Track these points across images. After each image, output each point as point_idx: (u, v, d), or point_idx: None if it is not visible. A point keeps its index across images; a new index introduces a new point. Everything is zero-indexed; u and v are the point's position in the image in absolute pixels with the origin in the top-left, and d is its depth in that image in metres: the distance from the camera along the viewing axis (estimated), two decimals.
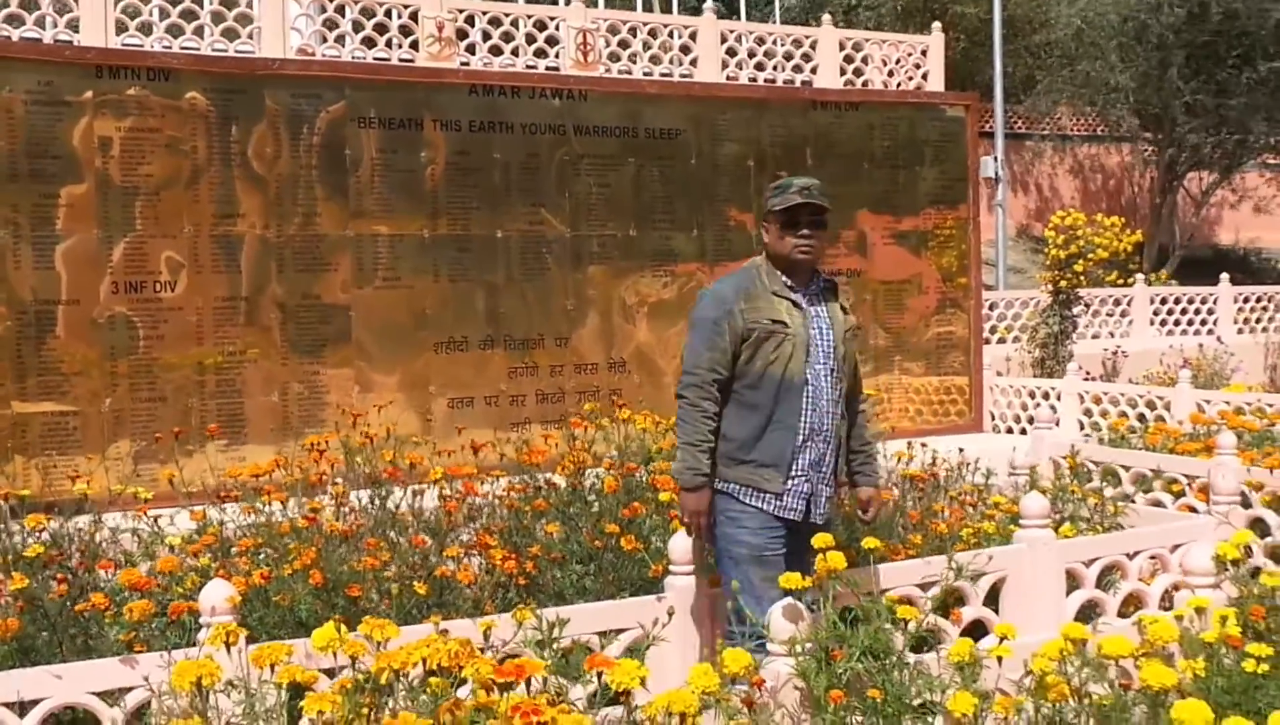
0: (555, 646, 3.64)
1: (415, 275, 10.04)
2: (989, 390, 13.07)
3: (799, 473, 5.03)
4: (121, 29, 9.65)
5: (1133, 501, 7.83)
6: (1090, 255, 14.26)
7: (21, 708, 3.84)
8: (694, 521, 5.07)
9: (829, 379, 5.07)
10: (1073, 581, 5.86)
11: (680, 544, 5.06)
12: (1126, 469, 8.36)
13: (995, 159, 22.33)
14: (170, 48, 9.77)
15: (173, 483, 6.87)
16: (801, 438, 5.02)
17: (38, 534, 5.46)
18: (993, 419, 13.12)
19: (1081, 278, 14.80)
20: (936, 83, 12.97)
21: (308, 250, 9.68)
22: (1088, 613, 5.78)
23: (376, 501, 6.28)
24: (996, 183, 22.47)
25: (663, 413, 8.13)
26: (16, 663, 4.43)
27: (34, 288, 8.79)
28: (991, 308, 17.39)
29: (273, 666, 2.87)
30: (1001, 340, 17.08)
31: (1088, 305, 17.91)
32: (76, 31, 9.57)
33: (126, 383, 9.04)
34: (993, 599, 5.59)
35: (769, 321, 4.99)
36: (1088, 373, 15.30)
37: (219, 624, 3.46)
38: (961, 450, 8.58)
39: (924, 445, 8.61)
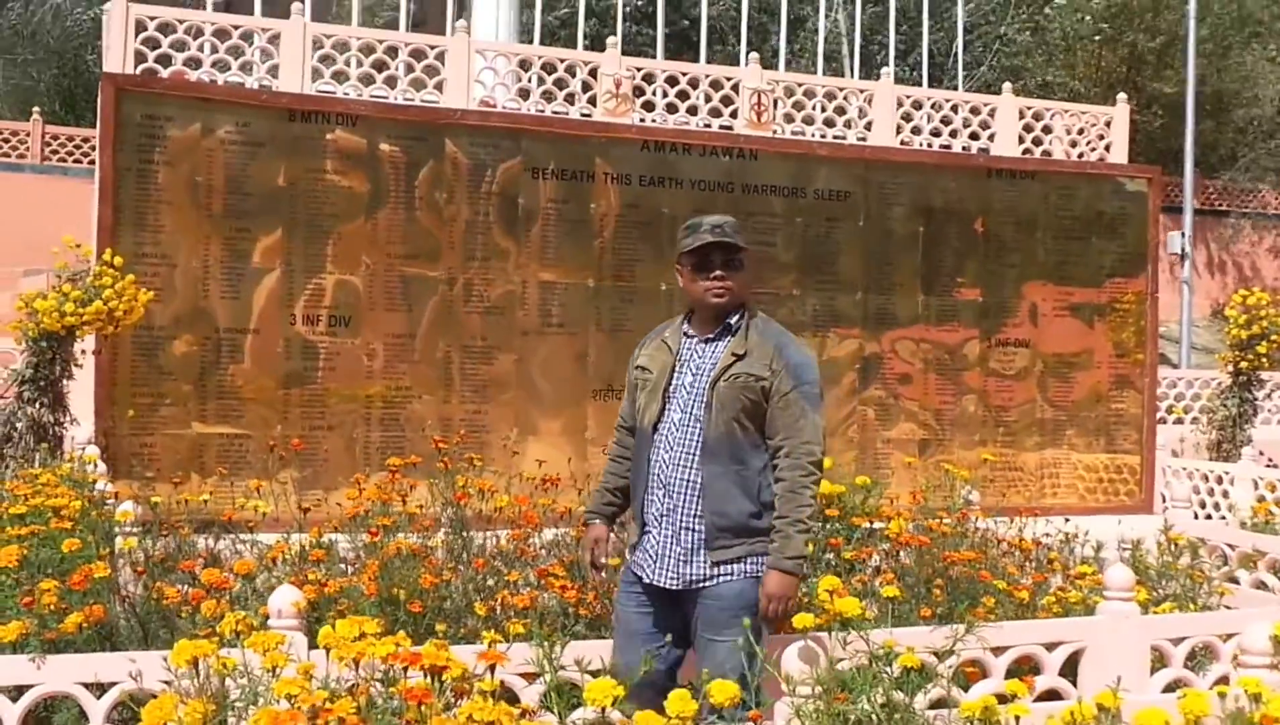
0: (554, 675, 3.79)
1: (579, 323, 10.29)
2: (1161, 471, 12.71)
3: (649, 527, 4.70)
4: (317, 76, 10.16)
5: (1236, 582, 7.65)
6: (1275, 336, 13.79)
7: (100, 689, 4.27)
8: (585, 554, 4.99)
9: (688, 427, 4.62)
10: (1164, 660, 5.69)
11: None
12: (1233, 548, 8.22)
13: (1183, 234, 21.78)
14: (361, 95, 10.25)
15: (300, 510, 7.18)
16: (645, 489, 4.71)
17: (164, 539, 5.87)
18: (1164, 501, 12.74)
19: (1264, 359, 14.32)
20: (1120, 154, 12.78)
21: (478, 293, 10.02)
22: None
23: (476, 535, 6.49)
24: (1183, 259, 21.90)
25: None
26: (98, 648, 4.77)
27: (222, 317, 9.29)
28: (1170, 387, 16.94)
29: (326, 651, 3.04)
30: (1179, 420, 16.61)
31: (1271, 389, 17.31)
32: (275, 77, 10.11)
33: (298, 411, 9.46)
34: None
35: (638, 368, 4.87)
36: (1269, 459, 14.77)
37: (282, 625, 3.72)
38: (1120, 521, 8.41)
39: (1068, 521, 8.46)
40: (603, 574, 5.02)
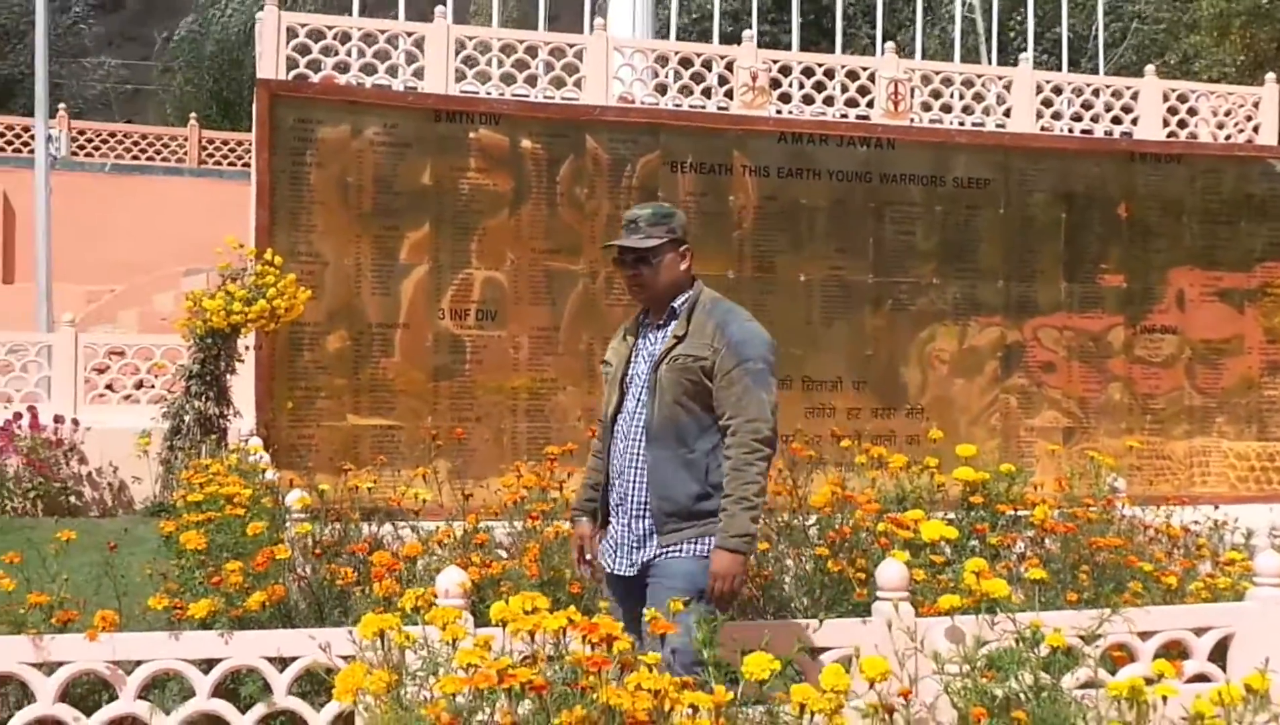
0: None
1: None
2: None
3: (610, 517, 4.67)
4: (460, 77, 10.43)
5: None
6: None
7: (283, 663, 4.53)
8: (573, 552, 4.96)
9: (637, 414, 4.54)
10: None
11: (888, 571, 5.15)
12: None
13: None
14: (503, 94, 10.50)
15: (463, 497, 7.41)
16: (609, 478, 4.67)
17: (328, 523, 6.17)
18: None
19: None
20: (1270, 136, 12.52)
21: (619, 286, 10.17)
22: None
23: None
24: None
25: (948, 463, 8.11)
26: (279, 626, 5.05)
27: (373, 313, 9.60)
28: None
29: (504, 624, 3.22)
30: None
31: None
32: (421, 79, 10.40)
33: (448, 403, 9.74)
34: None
35: (604, 363, 4.82)
36: None
37: (449, 605, 3.92)
38: (1271, 509, 8.27)
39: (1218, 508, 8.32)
40: (589, 571, 4.88)
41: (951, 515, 6.83)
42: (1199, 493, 11.35)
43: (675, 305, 4.61)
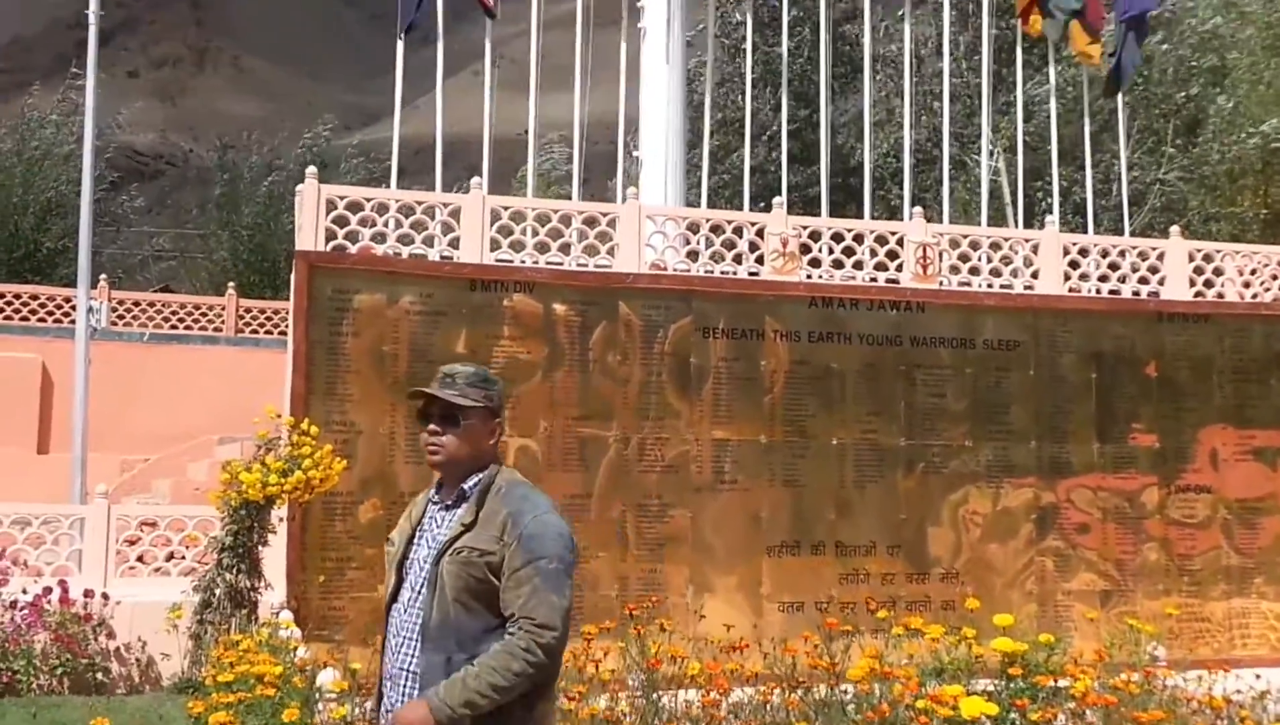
0: None
1: (752, 479, 10.40)
2: None
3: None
4: (495, 246, 10.61)
5: None
6: None
7: None
8: None
9: (413, 608, 4.00)
10: None
11: None
12: None
13: None
14: (537, 262, 10.66)
15: None
16: (381, 679, 4.14)
17: None
18: None
19: None
20: None
21: (652, 452, 10.21)
22: None
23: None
24: None
25: (984, 628, 8.01)
26: None
27: (406, 481, 9.63)
28: None
29: None
30: None
31: None
32: (456, 248, 10.58)
33: None
34: None
35: (388, 539, 4.26)
36: None
37: None
38: None
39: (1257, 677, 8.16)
40: None
41: (991, 686, 6.72)
42: (1239, 655, 11.15)
43: (466, 486, 4.09)
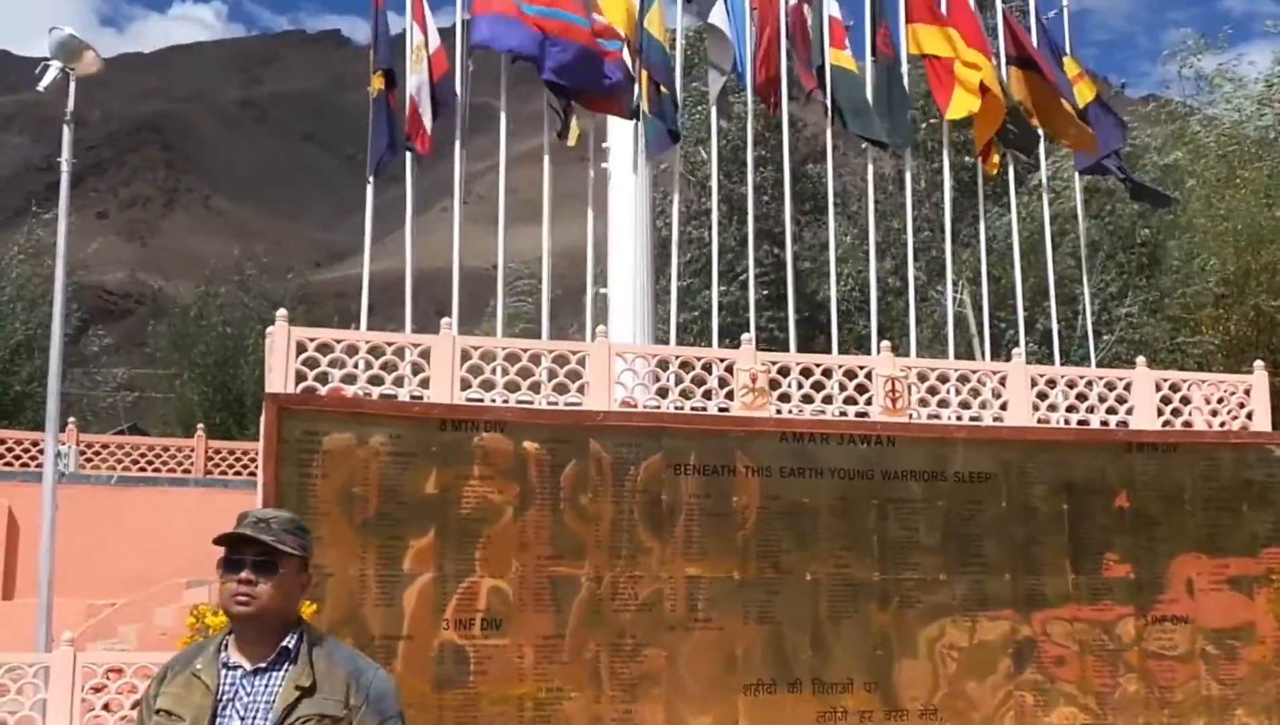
0: None
1: (726, 616, 10.32)
2: None
3: None
4: (465, 386, 10.62)
5: None
6: None
7: None
8: None
9: None
10: None
11: None
12: None
13: None
14: (507, 401, 10.67)
15: None
16: None
17: None
18: None
19: None
20: (1262, 422, 12.66)
21: (626, 591, 10.13)
22: None
23: None
24: None
25: None
26: None
27: (376, 624, 9.51)
28: None
29: None
30: None
31: None
32: (426, 388, 10.58)
33: (452, 714, 9.54)
34: None
35: (159, 714, 3.73)
36: None
37: None
38: None
39: None
40: None
41: None
42: None
43: (288, 644, 3.82)
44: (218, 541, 3.78)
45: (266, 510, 3.98)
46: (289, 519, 3.92)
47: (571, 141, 13.32)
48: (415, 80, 12.39)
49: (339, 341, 10.50)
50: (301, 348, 10.34)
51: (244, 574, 3.71)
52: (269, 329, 10.51)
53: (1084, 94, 15.11)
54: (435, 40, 12.72)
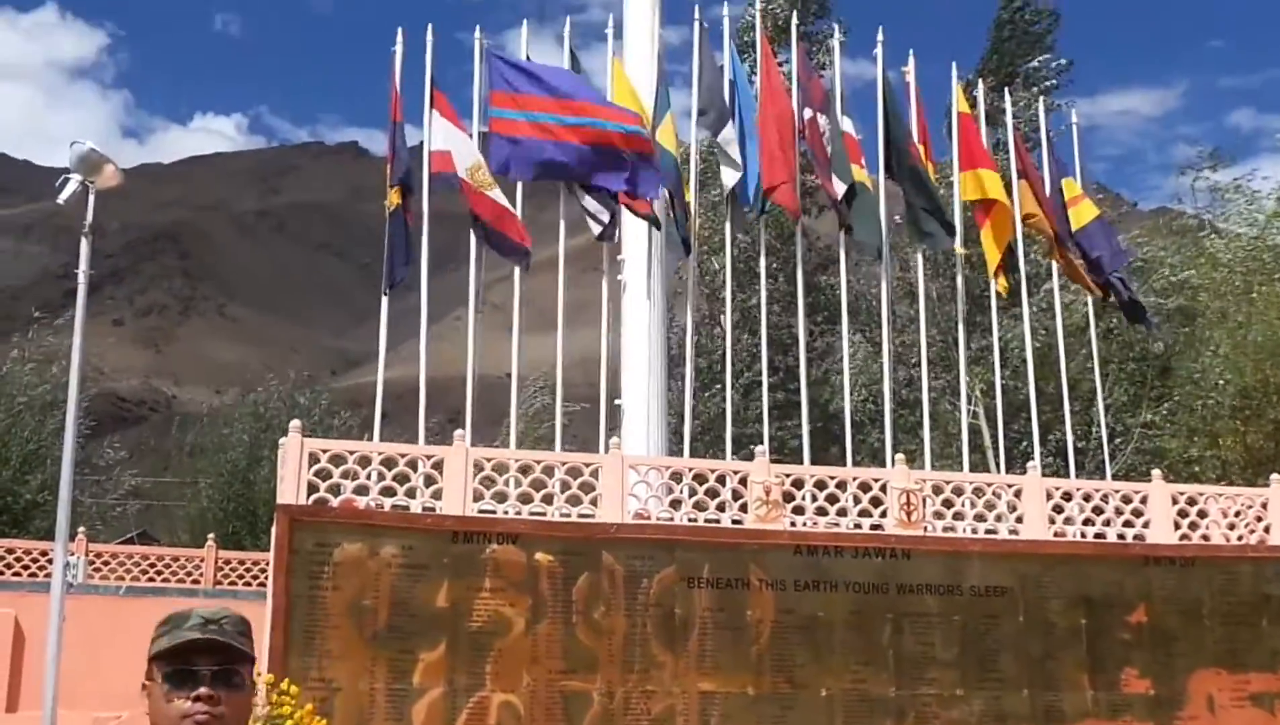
0: None
1: None
2: None
3: None
4: (478, 497, 10.58)
5: None
6: None
7: None
8: None
9: None
10: None
11: None
12: None
13: None
14: (520, 513, 10.62)
15: None
16: None
17: None
18: None
19: None
20: None
21: (639, 706, 10.00)
22: None
23: None
24: None
25: None
26: None
27: None
28: None
29: None
30: None
31: None
32: (439, 499, 10.55)
33: None
34: None
35: None
36: None
37: None
38: None
39: None
40: None
41: None
42: None
43: None
44: (169, 655, 3.04)
45: (211, 608, 3.16)
46: (239, 618, 3.16)
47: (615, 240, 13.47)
48: (495, 193, 12.61)
49: (352, 453, 10.49)
50: (314, 459, 10.33)
51: (202, 690, 3.00)
52: (282, 440, 10.50)
53: (1081, 216, 15.21)
54: (474, 154, 12.84)
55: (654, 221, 13.34)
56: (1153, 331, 18.98)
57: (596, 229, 13.33)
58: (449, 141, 12.90)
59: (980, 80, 19.56)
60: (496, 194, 12.71)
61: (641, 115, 13.10)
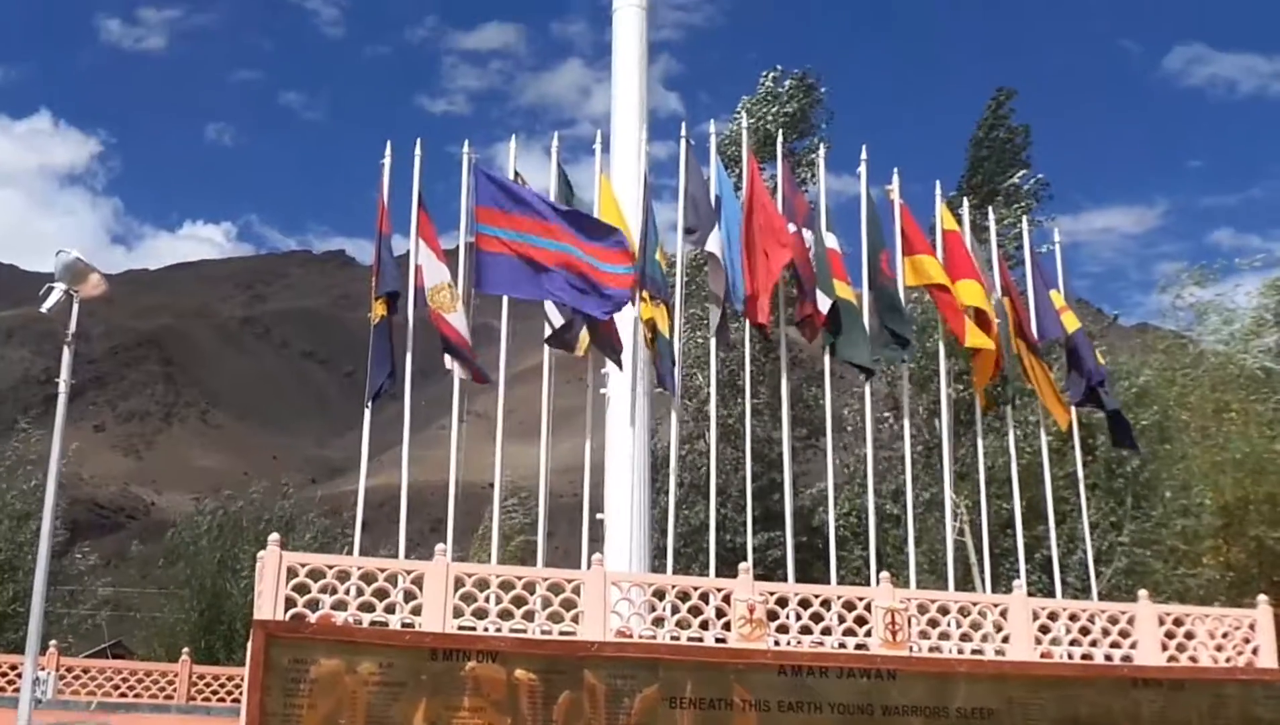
0: None
1: None
2: None
3: None
4: (458, 614, 10.42)
5: None
6: None
7: None
8: None
9: None
10: None
11: None
12: None
13: None
14: (501, 630, 10.45)
15: None
16: None
17: None
18: None
19: None
20: (1268, 657, 12.43)
21: None
22: None
23: None
24: None
25: None
26: None
27: None
28: None
29: None
30: None
31: None
32: (418, 615, 10.38)
33: None
34: None
35: None
36: None
37: None
38: None
39: None
40: None
41: None
42: None
43: None
44: None
45: None
46: None
47: (580, 351, 13.44)
48: (455, 317, 12.64)
49: (331, 567, 10.35)
50: (293, 573, 10.18)
51: None
52: (260, 553, 10.36)
53: (1069, 325, 15.38)
54: (440, 275, 12.92)
55: (615, 355, 13.34)
56: (1138, 452, 18.97)
57: (548, 329, 13.33)
58: (424, 258, 13.00)
59: (963, 198, 19.75)
60: (455, 318, 12.75)
61: (627, 245, 13.12)
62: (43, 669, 19.53)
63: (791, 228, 14.30)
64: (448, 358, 12.70)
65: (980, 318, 14.50)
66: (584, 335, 13.41)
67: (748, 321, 14.14)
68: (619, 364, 13.44)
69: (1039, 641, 11.89)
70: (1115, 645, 12.10)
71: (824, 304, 13.91)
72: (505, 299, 13.24)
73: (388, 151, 13.32)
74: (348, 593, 10.31)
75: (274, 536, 10.50)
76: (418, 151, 13.45)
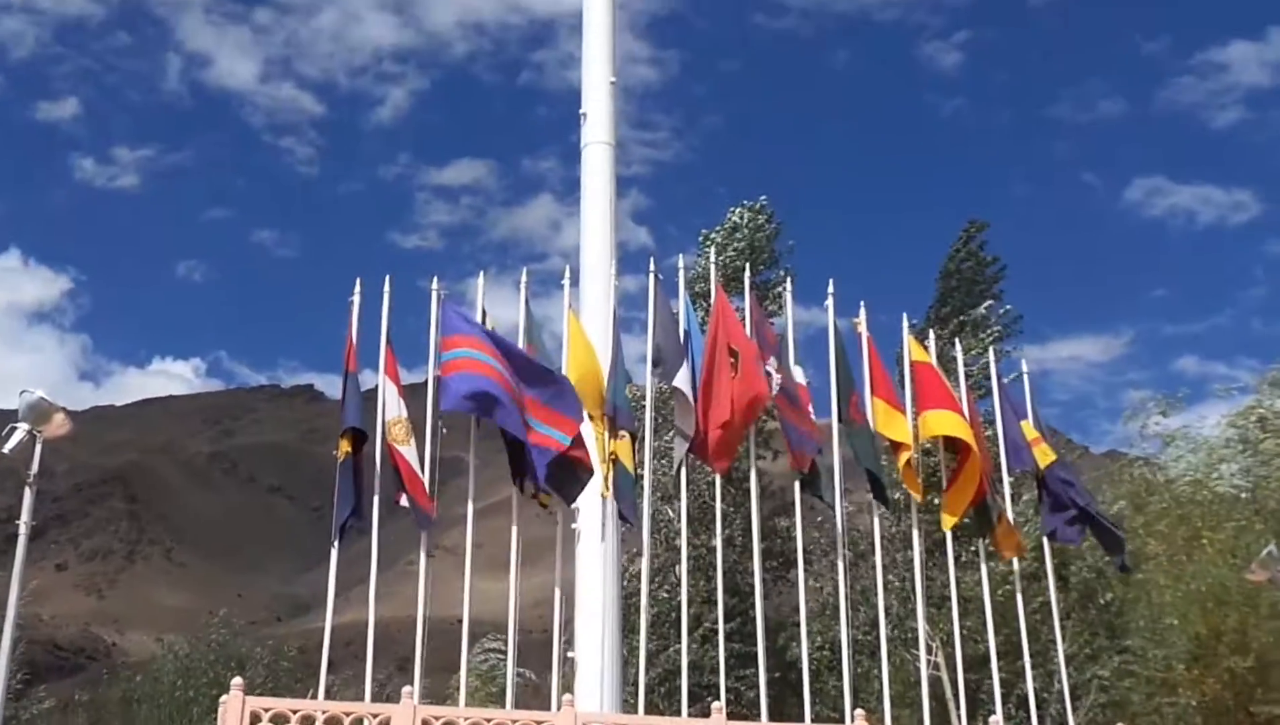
0: None
1: None
2: None
3: None
4: None
5: None
6: None
7: None
8: None
9: None
10: None
11: None
12: None
13: None
14: None
15: None
16: None
17: None
18: None
19: None
20: None
21: None
22: None
23: None
24: None
25: None
26: None
27: None
28: None
29: None
30: None
31: None
32: None
33: None
34: None
35: None
36: None
37: None
38: None
39: None
40: None
41: None
42: None
43: None
44: None
45: None
46: None
47: (542, 503, 13.34)
48: (408, 451, 12.54)
49: (295, 710, 10.12)
50: (256, 718, 9.95)
51: None
52: (222, 698, 10.12)
53: (1044, 458, 15.33)
54: (397, 409, 12.88)
55: (580, 489, 13.22)
56: (1129, 570, 18.88)
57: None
58: (389, 394, 12.96)
59: (930, 330, 19.89)
60: (406, 451, 12.66)
61: (575, 409, 13.06)
62: None
63: (769, 365, 14.29)
64: (403, 497, 12.58)
65: (955, 444, 14.50)
66: (546, 489, 13.28)
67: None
68: (569, 502, 13.28)
69: None
70: None
71: (810, 453, 13.98)
72: (472, 432, 13.15)
73: (357, 288, 13.33)
74: None
75: (237, 680, 10.27)
76: (386, 288, 13.46)
